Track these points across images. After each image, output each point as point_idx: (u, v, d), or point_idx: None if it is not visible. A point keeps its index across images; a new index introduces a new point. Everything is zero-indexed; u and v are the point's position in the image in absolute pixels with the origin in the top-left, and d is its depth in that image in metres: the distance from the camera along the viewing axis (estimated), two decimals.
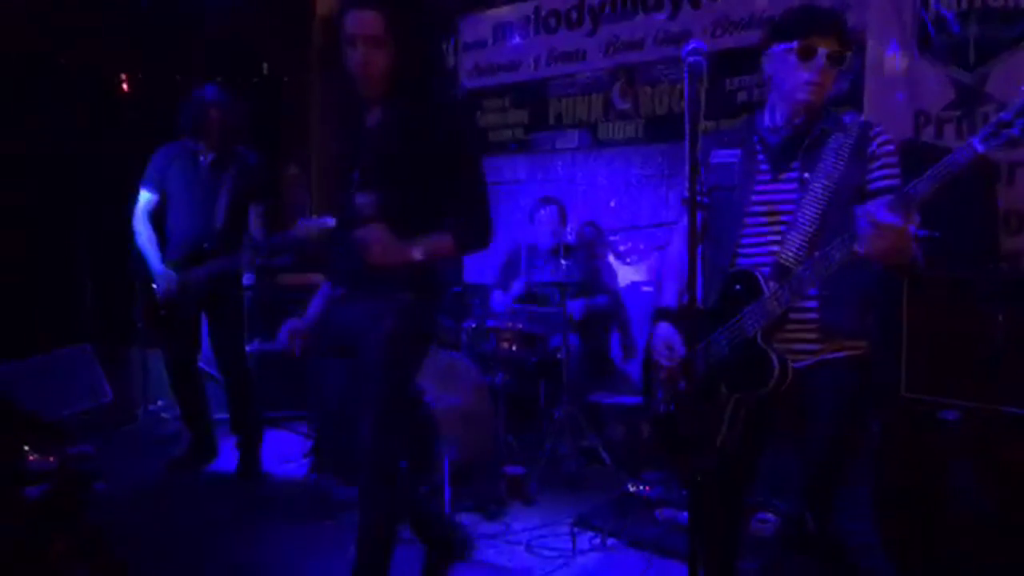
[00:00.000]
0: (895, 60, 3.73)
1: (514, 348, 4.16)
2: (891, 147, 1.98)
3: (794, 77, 1.98)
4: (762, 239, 2.04)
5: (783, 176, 2.04)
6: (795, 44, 1.95)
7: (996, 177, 3.29)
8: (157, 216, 3.79)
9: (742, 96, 4.27)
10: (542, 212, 4.55)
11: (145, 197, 3.78)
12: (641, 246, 4.70)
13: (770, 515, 3.04)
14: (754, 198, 2.06)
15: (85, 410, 4.66)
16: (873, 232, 1.72)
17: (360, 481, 2.34)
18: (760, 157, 2.09)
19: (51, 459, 3.40)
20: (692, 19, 4.46)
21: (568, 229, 4.62)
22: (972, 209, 3.05)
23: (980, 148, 1.64)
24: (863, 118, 2.06)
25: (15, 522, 2.93)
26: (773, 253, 2.00)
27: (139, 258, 3.78)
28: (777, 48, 2.01)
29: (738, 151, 2.11)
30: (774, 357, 1.93)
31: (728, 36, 4.30)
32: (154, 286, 3.73)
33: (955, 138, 3.53)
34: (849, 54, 1.98)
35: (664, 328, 2.17)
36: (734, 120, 4.25)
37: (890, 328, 2.81)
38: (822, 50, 1.94)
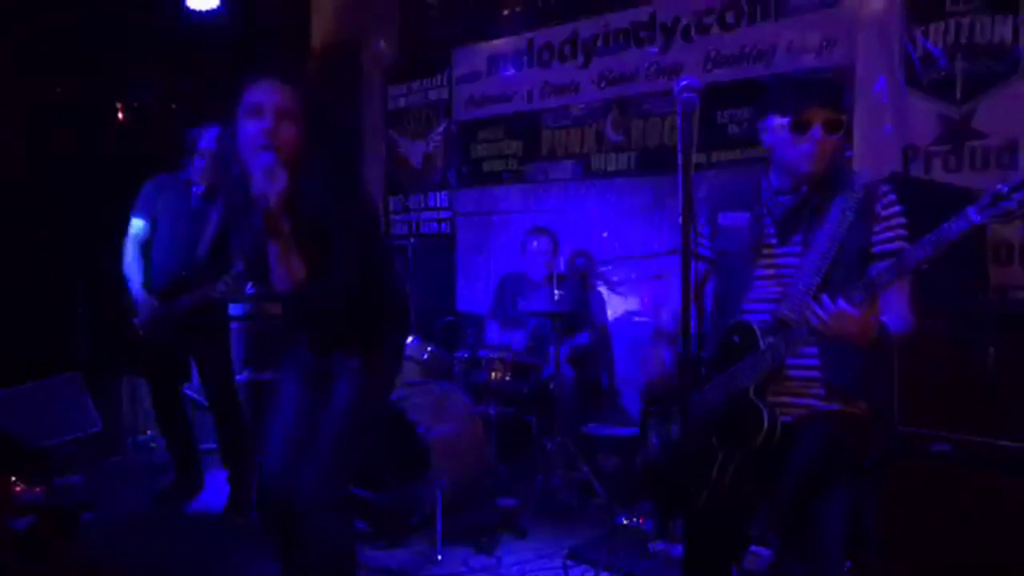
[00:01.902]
0: (883, 95, 3.78)
1: (507, 378, 4.15)
2: (897, 208, 2.00)
3: (793, 151, 2.01)
4: (766, 301, 2.06)
5: (790, 240, 2.06)
6: (788, 120, 1.99)
7: None
8: (147, 245, 3.78)
9: (733, 129, 4.31)
10: (534, 243, 4.56)
11: (138, 225, 3.78)
12: (633, 276, 4.72)
13: (763, 549, 3.02)
14: (761, 261, 2.08)
15: (73, 439, 4.61)
16: (827, 319, 1.79)
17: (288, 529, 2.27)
18: (767, 221, 2.11)
19: (38, 490, 3.37)
20: (684, 53, 4.52)
21: (560, 259, 4.64)
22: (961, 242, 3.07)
23: (976, 219, 1.65)
24: (871, 179, 2.08)
25: (1, 554, 2.89)
26: (773, 311, 2.02)
27: (123, 285, 3.77)
28: (771, 121, 2.05)
29: (746, 215, 2.13)
30: (764, 412, 1.93)
31: (719, 70, 4.35)
32: (134, 319, 3.71)
33: (943, 172, 3.57)
34: (844, 119, 2.01)
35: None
36: (725, 153, 4.31)
37: (883, 362, 2.82)
38: (817, 121, 1.97)
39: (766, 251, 2.08)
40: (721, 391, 2.04)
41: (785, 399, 1.99)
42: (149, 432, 4.89)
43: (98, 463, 4.53)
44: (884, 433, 2.81)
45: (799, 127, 1.98)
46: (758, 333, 1.97)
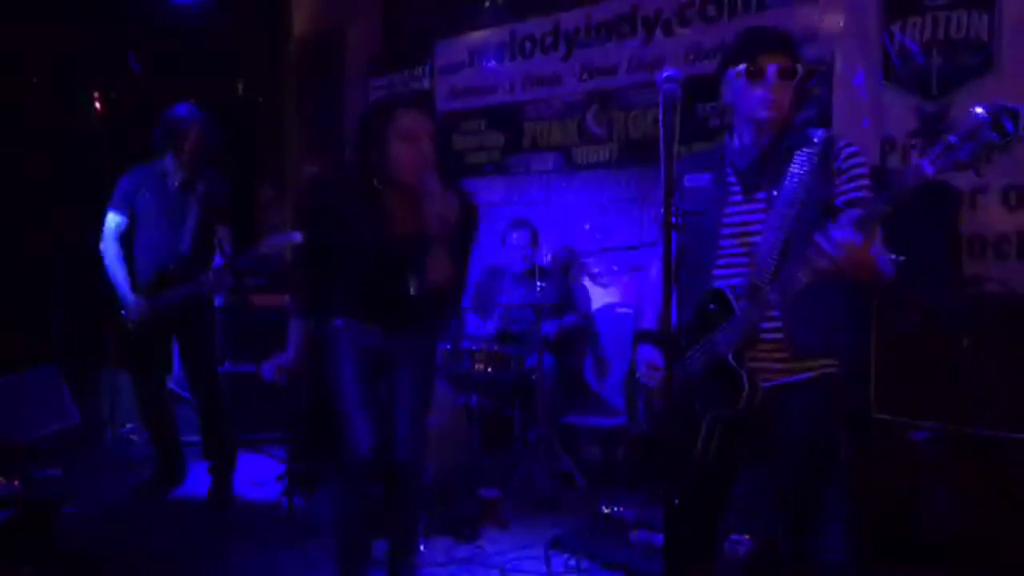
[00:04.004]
0: (861, 88, 3.82)
1: (489, 369, 4.16)
2: (858, 159, 2.01)
3: (749, 98, 2.03)
4: (735, 260, 2.07)
5: (754, 196, 2.07)
6: (743, 66, 2.02)
7: (959, 203, 3.38)
8: (126, 239, 3.74)
9: (714, 121, 4.34)
10: (514, 236, 4.58)
11: (115, 220, 3.74)
12: (615, 268, 4.74)
13: (743, 536, 3.05)
14: (725, 220, 2.09)
15: (52, 433, 4.57)
16: (831, 249, 1.77)
17: (399, 489, 2.67)
18: (731, 179, 2.12)
19: (16, 483, 3.34)
20: (665, 46, 4.54)
21: (542, 251, 4.66)
22: (936, 234, 3.12)
23: (929, 169, 1.68)
24: (829, 133, 2.09)
25: None
26: (745, 274, 2.03)
27: (107, 283, 3.74)
28: (730, 73, 2.07)
29: (709, 175, 2.15)
30: (744, 375, 1.95)
31: (700, 63, 4.38)
32: (123, 312, 3.69)
33: None
34: (799, 67, 2.04)
35: (645, 349, 2.19)
36: (706, 144, 4.33)
37: (860, 349, 2.86)
38: (771, 67, 2.00)
39: (731, 206, 2.09)
40: (701, 359, 2.06)
41: (758, 364, 2.00)
42: (128, 425, 4.85)
43: (77, 456, 4.49)
44: (860, 387, 2.85)
45: (754, 74, 2.01)
46: (732, 298, 1.99)
